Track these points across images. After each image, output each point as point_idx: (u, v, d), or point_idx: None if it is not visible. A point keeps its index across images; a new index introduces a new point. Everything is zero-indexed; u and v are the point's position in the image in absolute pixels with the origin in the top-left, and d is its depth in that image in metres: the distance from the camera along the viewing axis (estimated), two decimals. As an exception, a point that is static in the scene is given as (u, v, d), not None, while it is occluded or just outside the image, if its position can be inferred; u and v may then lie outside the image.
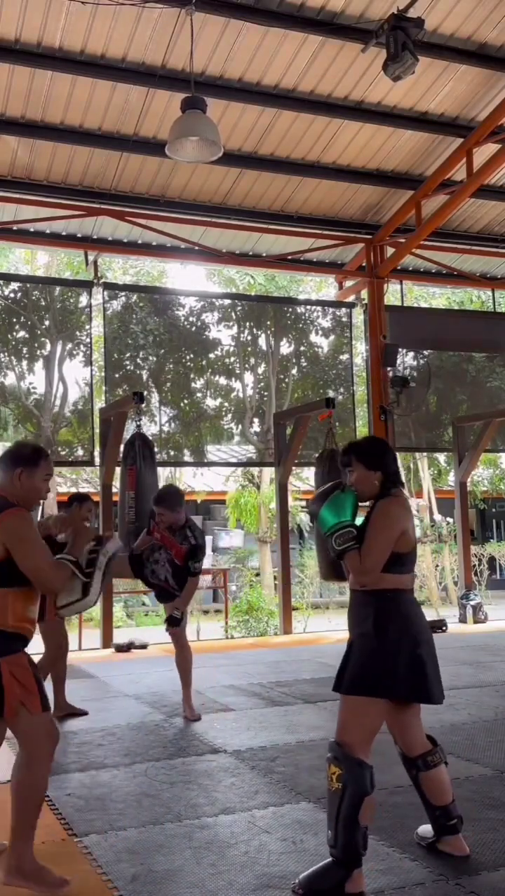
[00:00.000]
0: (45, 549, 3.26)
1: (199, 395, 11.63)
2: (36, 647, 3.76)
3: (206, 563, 13.05)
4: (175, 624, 6.03)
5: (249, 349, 11.97)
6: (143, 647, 9.61)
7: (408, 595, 3.33)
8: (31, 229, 10.43)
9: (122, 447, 9.31)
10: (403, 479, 19.10)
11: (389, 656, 3.21)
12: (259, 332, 12.08)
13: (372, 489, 3.35)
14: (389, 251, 11.69)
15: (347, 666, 3.27)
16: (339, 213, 11.32)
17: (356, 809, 3.06)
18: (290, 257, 11.73)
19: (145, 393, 10.15)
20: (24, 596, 3.23)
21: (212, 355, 11.63)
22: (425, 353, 12.78)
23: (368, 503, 3.39)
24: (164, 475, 19.40)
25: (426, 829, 3.50)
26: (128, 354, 11.18)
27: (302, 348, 12.33)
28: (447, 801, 3.40)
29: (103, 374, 11.13)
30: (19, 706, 3.12)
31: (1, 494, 3.28)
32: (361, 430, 14.86)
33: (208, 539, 21.38)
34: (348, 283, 12.24)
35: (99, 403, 10.94)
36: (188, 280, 26.35)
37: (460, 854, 3.36)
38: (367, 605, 3.27)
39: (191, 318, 11.52)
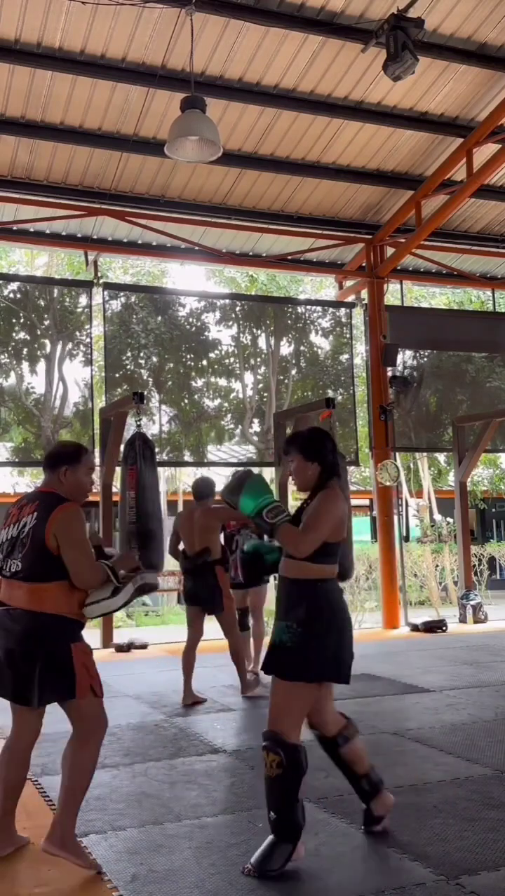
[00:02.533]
0: (87, 546, 3.42)
1: (199, 395, 11.63)
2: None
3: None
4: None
5: (249, 349, 11.97)
6: (143, 647, 9.61)
7: (335, 583, 3.43)
8: (31, 229, 10.43)
9: (122, 447, 9.31)
10: (403, 478, 19.12)
11: (322, 642, 3.32)
12: (259, 332, 12.08)
13: (308, 480, 3.46)
14: (389, 251, 11.69)
15: (278, 652, 3.36)
16: (339, 213, 11.32)
17: (297, 789, 3.27)
18: (290, 257, 11.73)
19: (145, 393, 10.16)
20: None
21: (212, 355, 11.62)
22: (424, 353, 12.78)
23: (303, 494, 3.53)
24: (164, 475, 19.41)
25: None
26: (128, 354, 11.18)
27: (302, 348, 12.33)
28: (367, 766, 3.61)
29: (103, 374, 11.13)
30: (88, 689, 3.37)
31: (53, 492, 3.50)
32: (362, 429, 14.86)
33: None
34: (348, 283, 12.24)
35: (99, 403, 10.94)
36: (188, 280, 26.35)
37: (390, 805, 3.62)
38: (298, 594, 3.36)
39: (191, 319, 11.52)
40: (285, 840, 3.24)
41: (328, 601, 3.36)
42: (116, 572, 3.48)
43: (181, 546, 6.70)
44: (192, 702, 6.43)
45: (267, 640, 3.57)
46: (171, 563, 9.22)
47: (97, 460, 10.49)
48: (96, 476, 14.47)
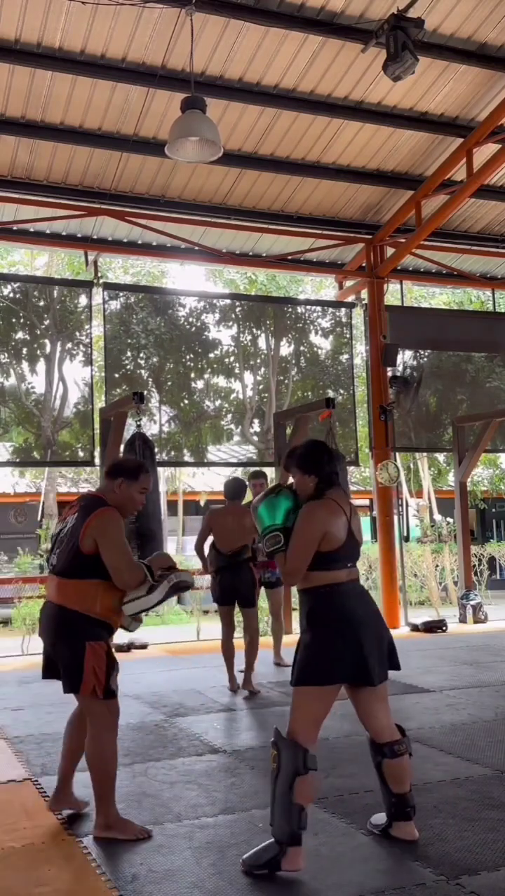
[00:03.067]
0: (125, 548, 3.64)
1: (199, 395, 11.63)
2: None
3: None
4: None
5: (249, 349, 11.96)
6: (144, 647, 9.60)
7: (343, 587, 3.45)
8: (31, 229, 10.43)
9: (122, 447, 9.31)
10: (403, 478, 19.13)
11: (325, 645, 3.36)
12: (259, 333, 12.07)
13: (308, 492, 3.54)
14: (389, 251, 11.69)
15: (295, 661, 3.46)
16: (339, 213, 11.32)
17: (289, 788, 3.23)
18: (290, 257, 11.73)
19: (145, 393, 10.15)
20: (113, 588, 3.63)
21: (212, 355, 11.62)
22: (424, 353, 12.78)
23: None
24: (164, 475, 19.41)
25: (379, 816, 3.66)
26: (128, 354, 11.18)
27: (302, 348, 12.33)
28: (406, 789, 3.54)
29: (103, 374, 11.13)
30: (91, 689, 3.60)
31: (99, 496, 3.79)
32: (362, 430, 14.86)
33: (208, 540, 21.37)
34: (348, 283, 12.24)
35: (99, 403, 10.94)
36: (188, 280, 26.36)
37: (410, 839, 3.51)
38: (304, 603, 3.48)
39: (191, 319, 11.52)
40: (277, 840, 3.26)
41: (331, 606, 3.41)
42: (153, 571, 3.65)
43: (207, 543, 7.02)
44: (236, 688, 6.91)
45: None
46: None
47: (97, 460, 10.50)
48: (96, 476, 14.47)
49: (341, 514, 3.47)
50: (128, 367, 11.19)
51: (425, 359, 12.83)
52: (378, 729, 3.54)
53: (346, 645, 3.36)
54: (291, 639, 7.80)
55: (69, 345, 10.87)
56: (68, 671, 3.66)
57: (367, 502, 20.91)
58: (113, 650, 3.75)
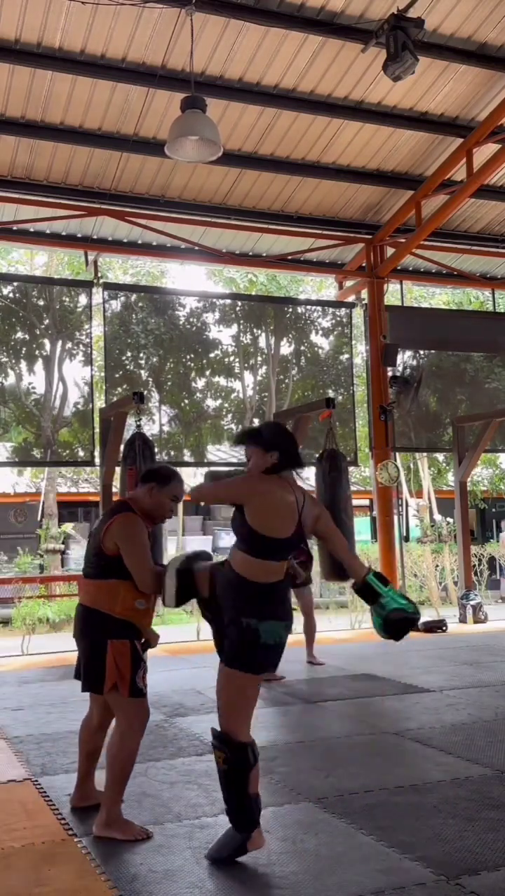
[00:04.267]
0: (146, 552, 3.71)
1: (199, 395, 11.63)
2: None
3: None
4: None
5: (249, 349, 11.96)
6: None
7: (278, 585, 3.38)
8: (31, 229, 10.43)
9: (122, 447, 9.31)
10: (403, 478, 19.12)
11: (259, 644, 3.33)
12: (259, 333, 12.07)
13: (266, 469, 3.44)
14: (389, 251, 11.69)
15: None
16: (339, 213, 11.32)
17: (245, 784, 3.33)
18: (290, 257, 11.73)
19: (145, 393, 10.15)
20: (135, 588, 3.69)
21: (212, 355, 11.62)
22: (423, 353, 12.78)
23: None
24: (164, 475, 19.35)
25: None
26: (128, 354, 11.18)
27: (302, 348, 12.33)
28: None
29: (103, 374, 11.13)
30: (113, 686, 3.65)
31: (126, 500, 3.93)
32: (362, 430, 14.86)
33: (208, 539, 21.44)
34: (348, 283, 12.24)
35: (99, 403, 10.94)
36: (188, 280, 26.36)
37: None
38: (243, 589, 3.39)
39: (191, 319, 11.52)
40: (238, 830, 3.35)
41: (271, 605, 3.38)
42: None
43: None
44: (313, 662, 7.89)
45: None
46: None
47: (97, 460, 10.50)
48: (96, 476, 14.46)
49: (290, 494, 3.36)
50: (128, 367, 11.19)
51: (425, 359, 12.83)
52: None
53: (278, 644, 3.38)
54: (322, 636, 8.03)
55: (69, 344, 10.87)
56: (88, 668, 3.73)
57: (367, 502, 20.92)
58: (140, 650, 3.77)
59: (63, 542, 19.85)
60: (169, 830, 3.75)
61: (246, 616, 3.29)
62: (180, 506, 21.43)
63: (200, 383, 11.65)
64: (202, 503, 3.78)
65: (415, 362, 12.70)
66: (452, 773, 4.48)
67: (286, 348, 12.22)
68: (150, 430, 10.60)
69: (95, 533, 3.83)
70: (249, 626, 3.28)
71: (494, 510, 24.48)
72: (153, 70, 8.38)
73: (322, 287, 18.81)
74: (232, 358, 11.79)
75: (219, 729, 3.38)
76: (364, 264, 11.82)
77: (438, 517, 19.94)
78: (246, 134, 9.64)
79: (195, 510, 21.86)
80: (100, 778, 3.80)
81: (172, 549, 20.38)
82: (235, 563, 3.37)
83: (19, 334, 10.67)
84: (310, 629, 8.22)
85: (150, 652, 3.97)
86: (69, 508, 21.98)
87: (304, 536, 3.44)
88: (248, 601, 3.32)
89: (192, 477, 21.87)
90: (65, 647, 10.53)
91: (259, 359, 12.05)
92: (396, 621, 3.41)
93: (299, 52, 8.52)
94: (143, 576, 3.67)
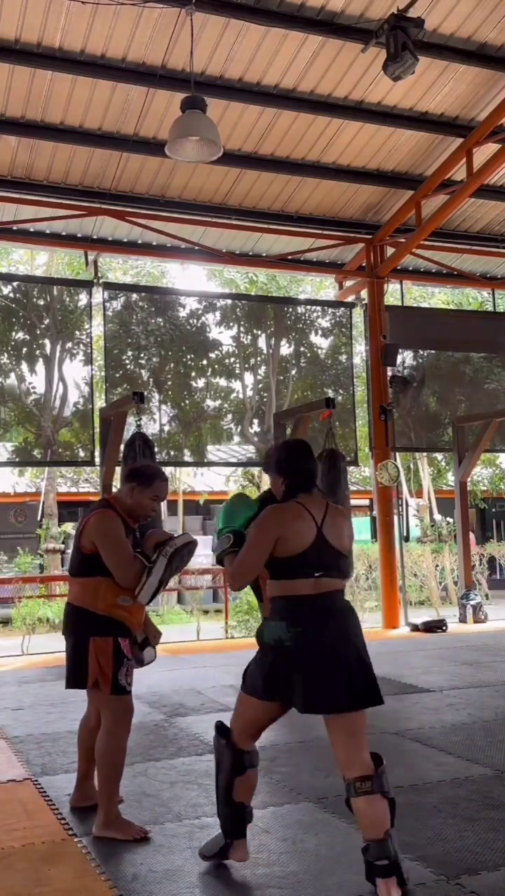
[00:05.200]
0: (121, 547, 3.68)
1: (199, 395, 11.63)
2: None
3: (206, 562, 13.08)
4: None
5: (249, 349, 11.96)
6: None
7: (302, 600, 3.10)
8: (31, 229, 10.43)
9: (122, 447, 9.31)
10: (403, 478, 19.12)
11: (262, 658, 3.18)
12: (259, 333, 12.07)
13: (280, 494, 3.32)
14: (389, 251, 11.69)
15: None
16: (339, 213, 11.32)
17: (228, 787, 3.27)
18: (290, 257, 11.72)
19: (145, 393, 10.15)
20: (116, 585, 3.68)
21: (212, 355, 11.62)
22: (423, 353, 12.78)
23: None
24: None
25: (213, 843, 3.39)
26: (128, 354, 11.18)
27: (302, 348, 12.33)
28: (378, 836, 2.98)
29: (103, 374, 11.13)
30: (94, 683, 3.68)
31: (108, 498, 3.91)
32: (362, 429, 14.86)
33: (208, 539, 21.38)
34: (348, 283, 12.24)
35: (99, 403, 10.93)
36: (189, 280, 26.35)
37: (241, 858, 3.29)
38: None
39: (191, 319, 11.52)
40: (223, 831, 3.33)
41: (281, 619, 3.12)
42: (148, 556, 3.68)
43: None
44: None
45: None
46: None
47: (97, 460, 10.50)
48: (96, 476, 14.47)
49: (307, 518, 3.15)
50: (128, 367, 11.19)
51: (424, 359, 12.82)
52: (342, 762, 3.08)
53: (283, 652, 3.07)
54: None
55: (69, 344, 10.87)
56: (71, 664, 3.78)
57: (367, 502, 20.92)
58: (125, 647, 3.73)
59: (63, 542, 19.85)
60: (169, 830, 3.75)
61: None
62: (180, 505, 21.45)
63: (200, 383, 11.65)
64: (243, 585, 3.45)
65: (415, 362, 12.70)
66: (452, 773, 4.48)
67: (286, 348, 12.21)
68: (150, 430, 10.59)
69: (77, 530, 3.90)
70: (259, 630, 3.27)
71: (494, 510, 24.48)
72: (153, 70, 8.38)
73: (321, 287, 18.80)
74: (232, 358, 11.79)
75: (229, 724, 3.36)
76: (364, 264, 11.82)
77: (438, 517, 19.94)
78: (246, 134, 9.64)
79: (195, 510, 21.86)
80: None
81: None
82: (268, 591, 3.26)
83: (19, 334, 10.67)
84: None
85: (150, 652, 3.97)
86: (69, 508, 21.97)
87: (328, 548, 3.16)
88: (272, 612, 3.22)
89: (191, 476, 21.89)
90: (64, 647, 10.55)
91: (259, 359, 12.04)
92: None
93: (299, 52, 8.51)
94: (120, 571, 3.65)
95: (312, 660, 3.02)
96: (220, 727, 3.36)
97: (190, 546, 3.79)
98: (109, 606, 3.69)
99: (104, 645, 3.68)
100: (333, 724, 3.06)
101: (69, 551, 20.64)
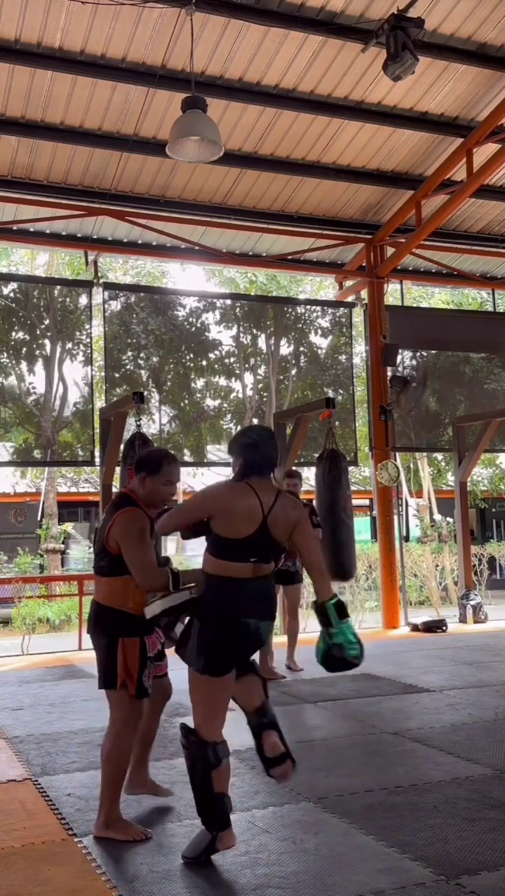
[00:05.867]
0: (144, 548, 3.63)
1: (199, 395, 11.63)
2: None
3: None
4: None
5: (249, 349, 11.96)
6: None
7: (238, 583, 3.33)
8: (31, 229, 10.43)
9: (122, 447, 9.31)
10: (403, 478, 19.11)
11: (211, 641, 3.35)
12: (259, 333, 12.07)
13: (235, 476, 3.50)
14: (389, 251, 11.69)
15: None
16: (339, 213, 11.32)
17: (207, 782, 3.34)
18: (290, 257, 11.72)
19: (145, 393, 10.15)
20: None
21: (212, 355, 11.62)
22: (423, 353, 12.78)
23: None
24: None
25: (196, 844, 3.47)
26: (128, 354, 11.18)
27: (302, 348, 12.33)
28: (255, 704, 3.55)
29: (103, 374, 11.13)
30: (122, 685, 3.65)
31: (128, 493, 3.83)
32: (362, 429, 14.87)
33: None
34: (348, 283, 12.23)
35: (99, 403, 10.93)
36: (188, 281, 26.36)
37: (272, 754, 3.50)
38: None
39: (191, 319, 11.52)
40: (207, 829, 3.37)
41: (219, 601, 3.36)
42: (179, 580, 3.54)
43: None
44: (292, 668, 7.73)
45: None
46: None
47: (97, 460, 10.49)
48: (96, 476, 14.47)
49: (252, 500, 3.33)
50: (128, 367, 11.19)
51: (424, 358, 12.82)
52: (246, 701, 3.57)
53: (228, 642, 3.34)
54: (305, 637, 7.89)
55: (69, 345, 10.87)
56: (101, 666, 3.73)
57: (367, 502, 20.93)
58: (150, 643, 3.76)
59: (63, 542, 19.86)
60: (169, 830, 3.75)
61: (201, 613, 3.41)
62: (178, 501, 21.51)
63: (200, 383, 11.65)
64: (167, 534, 3.66)
65: (414, 362, 12.70)
66: (452, 773, 4.48)
67: (286, 348, 12.22)
68: (150, 430, 10.60)
69: (100, 530, 3.84)
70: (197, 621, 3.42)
71: (494, 510, 24.49)
72: (153, 70, 8.38)
73: (322, 287, 18.81)
74: (232, 358, 11.79)
75: (192, 725, 3.43)
76: (364, 264, 11.81)
77: (438, 517, 19.95)
78: (246, 134, 9.64)
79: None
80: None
81: (172, 548, 20.39)
82: (204, 565, 3.44)
83: (20, 334, 10.67)
84: (292, 631, 7.88)
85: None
86: (69, 508, 22.00)
87: (269, 538, 3.36)
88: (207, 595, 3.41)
89: (191, 476, 21.90)
90: (65, 647, 10.54)
91: (259, 359, 12.05)
92: (335, 658, 3.41)
93: (299, 52, 8.51)
94: (140, 574, 3.60)
95: (246, 632, 3.36)
96: (185, 727, 3.43)
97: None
98: (139, 605, 3.63)
99: (132, 646, 3.66)
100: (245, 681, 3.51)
101: (69, 552, 20.73)
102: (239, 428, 11.91)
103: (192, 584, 3.52)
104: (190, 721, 3.49)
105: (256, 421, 11.89)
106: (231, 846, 3.38)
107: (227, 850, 3.36)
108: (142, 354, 11.24)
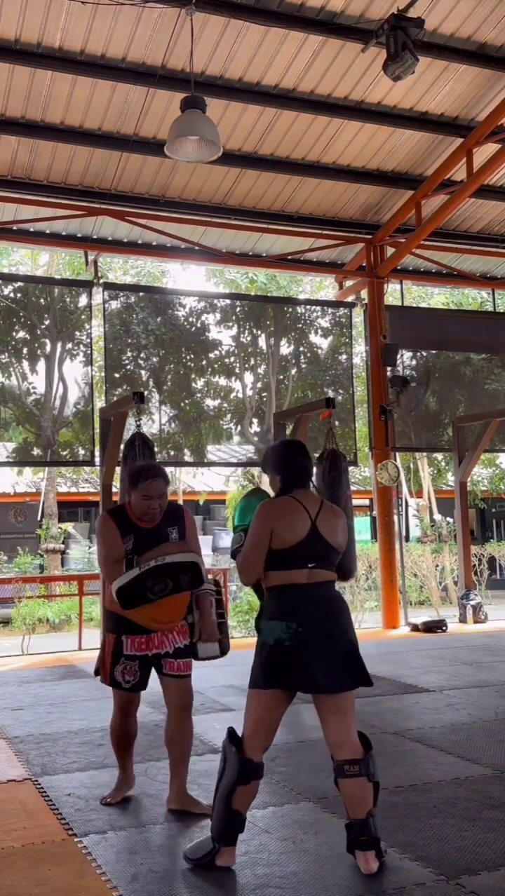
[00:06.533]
0: (103, 547, 3.87)
1: (199, 395, 11.63)
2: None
3: (207, 563, 13.07)
4: None
5: (249, 349, 11.96)
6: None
7: (295, 589, 3.31)
8: (31, 229, 10.43)
9: (122, 447, 9.30)
10: (403, 478, 19.11)
11: (261, 647, 3.32)
12: (259, 333, 12.07)
13: (276, 491, 3.54)
14: (389, 251, 11.69)
15: None
16: (339, 213, 11.32)
17: (228, 793, 3.27)
18: (290, 257, 11.72)
19: (145, 393, 10.15)
20: None
21: (212, 355, 11.62)
22: (424, 353, 12.78)
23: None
24: (164, 475, 19.35)
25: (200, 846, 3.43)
26: (128, 354, 11.18)
27: (302, 348, 12.33)
28: (361, 816, 3.24)
29: (103, 374, 11.13)
30: (96, 671, 4.13)
31: (116, 501, 4.01)
32: (362, 430, 14.86)
33: (208, 539, 21.41)
34: (348, 283, 12.23)
35: (99, 403, 10.93)
36: (188, 281, 26.38)
37: (366, 872, 3.21)
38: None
39: (191, 319, 11.52)
40: (212, 837, 3.33)
41: (278, 606, 3.32)
42: (133, 563, 3.73)
43: None
44: None
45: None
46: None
47: (97, 460, 10.49)
48: (96, 476, 14.46)
49: (300, 511, 3.36)
50: (128, 367, 11.19)
51: (423, 359, 12.82)
52: (332, 743, 3.33)
53: (282, 649, 3.24)
54: None
55: (69, 345, 10.87)
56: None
57: (367, 502, 20.92)
58: (127, 645, 3.94)
59: (63, 542, 19.85)
60: (169, 830, 3.75)
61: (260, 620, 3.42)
62: (179, 501, 21.52)
63: (200, 383, 11.65)
64: (252, 580, 3.46)
65: (415, 362, 12.70)
66: (452, 773, 4.48)
67: (286, 348, 12.21)
68: (150, 430, 10.59)
69: None
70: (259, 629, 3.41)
71: (494, 510, 24.49)
72: (153, 70, 8.38)
73: (321, 287, 18.81)
74: (232, 358, 11.79)
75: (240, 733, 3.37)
76: (364, 264, 11.82)
77: (438, 517, 19.94)
78: (246, 134, 9.64)
79: (195, 510, 21.87)
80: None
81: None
82: (265, 583, 3.43)
83: (20, 334, 10.67)
84: None
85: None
86: (69, 508, 21.99)
87: (323, 541, 3.36)
88: (265, 608, 3.43)
89: (191, 477, 21.89)
90: (65, 647, 10.54)
91: (259, 359, 12.05)
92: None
93: (299, 52, 8.51)
94: (102, 569, 3.91)
95: (309, 648, 3.24)
96: (231, 733, 3.37)
97: (179, 566, 3.74)
98: (111, 603, 3.85)
99: (109, 640, 3.98)
100: (324, 706, 3.31)
101: (69, 552, 20.72)
102: (239, 428, 11.92)
103: (151, 561, 3.67)
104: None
105: (255, 421, 11.89)
106: (230, 864, 3.29)
107: (224, 867, 3.27)
108: (142, 354, 11.23)
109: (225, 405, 11.81)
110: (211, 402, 11.71)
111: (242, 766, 3.27)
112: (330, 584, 3.40)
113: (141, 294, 11.82)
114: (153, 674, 4.10)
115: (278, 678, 3.27)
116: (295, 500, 3.40)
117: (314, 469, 9.57)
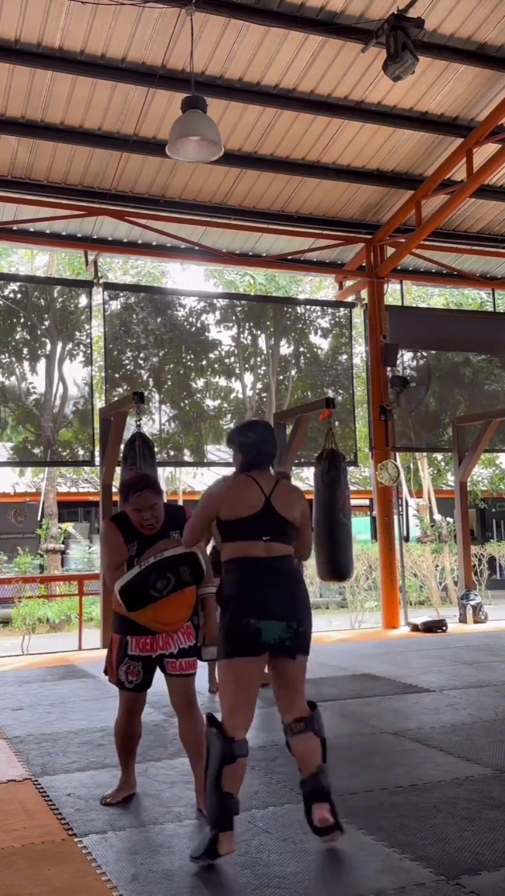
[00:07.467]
0: (106, 553, 3.96)
1: (199, 395, 11.63)
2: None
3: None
4: None
5: (249, 349, 11.96)
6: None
7: (252, 562, 3.41)
8: (31, 229, 10.43)
9: (122, 447, 9.31)
10: (403, 478, 19.11)
11: (224, 620, 3.41)
12: (259, 333, 12.07)
13: (237, 469, 3.63)
14: (389, 251, 11.69)
15: None
16: (339, 213, 11.32)
17: (216, 776, 3.31)
18: (290, 257, 11.72)
19: (145, 393, 10.15)
20: None
21: (212, 355, 11.62)
22: (424, 353, 12.78)
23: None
24: (164, 475, 19.40)
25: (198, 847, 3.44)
26: (128, 354, 11.18)
27: (302, 348, 12.33)
28: (311, 770, 3.47)
29: (103, 374, 11.13)
30: (104, 671, 4.20)
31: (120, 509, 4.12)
32: (362, 430, 14.87)
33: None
34: (348, 283, 12.24)
35: (99, 403, 10.93)
36: (188, 281, 26.38)
37: (321, 825, 3.40)
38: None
39: (191, 319, 11.52)
40: (209, 825, 3.35)
41: (233, 581, 3.44)
42: (133, 563, 3.84)
43: None
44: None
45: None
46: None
47: (97, 460, 10.49)
48: (96, 476, 14.47)
49: (253, 486, 3.48)
50: (128, 367, 11.19)
51: (424, 359, 12.82)
52: (282, 707, 3.54)
53: (240, 619, 3.35)
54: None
55: (69, 345, 10.87)
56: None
57: (367, 502, 20.92)
58: (131, 646, 4.00)
59: (63, 542, 19.86)
60: (169, 830, 3.75)
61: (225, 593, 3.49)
62: (179, 501, 21.51)
63: (200, 383, 11.65)
64: (195, 544, 3.76)
65: (416, 362, 12.70)
66: (452, 773, 4.48)
67: (286, 348, 12.22)
68: (150, 430, 10.60)
69: None
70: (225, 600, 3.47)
71: (494, 510, 24.49)
72: (153, 70, 8.38)
73: (321, 287, 18.81)
74: (232, 358, 11.79)
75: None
76: (364, 264, 11.82)
77: (438, 517, 19.95)
78: (246, 134, 9.64)
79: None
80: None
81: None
82: (222, 556, 3.55)
83: (20, 334, 10.68)
84: None
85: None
86: (69, 508, 21.99)
87: (277, 515, 3.46)
88: (225, 580, 3.50)
89: (191, 476, 21.90)
90: (65, 647, 10.55)
91: (259, 359, 12.05)
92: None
93: (299, 52, 8.52)
94: (105, 574, 3.98)
95: (261, 606, 3.36)
96: (210, 717, 3.46)
97: (178, 559, 3.75)
98: (117, 605, 3.93)
99: (115, 640, 4.06)
100: (280, 671, 3.47)
101: (69, 551, 20.72)
102: (239, 428, 11.90)
103: (151, 558, 3.75)
104: (219, 714, 3.50)
105: (255, 421, 11.88)
106: (230, 851, 3.30)
107: (227, 854, 3.30)
108: (142, 354, 11.24)
109: (225, 405, 11.81)
110: (211, 403, 11.71)
111: (225, 744, 3.31)
112: (288, 558, 3.51)
113: (141, 294, 11.82)
114: (158, 674, 4.11)
115: (241, 646, 3.36)
116: (250, 478, 3.52)
117: (315, 469, 9.60)
